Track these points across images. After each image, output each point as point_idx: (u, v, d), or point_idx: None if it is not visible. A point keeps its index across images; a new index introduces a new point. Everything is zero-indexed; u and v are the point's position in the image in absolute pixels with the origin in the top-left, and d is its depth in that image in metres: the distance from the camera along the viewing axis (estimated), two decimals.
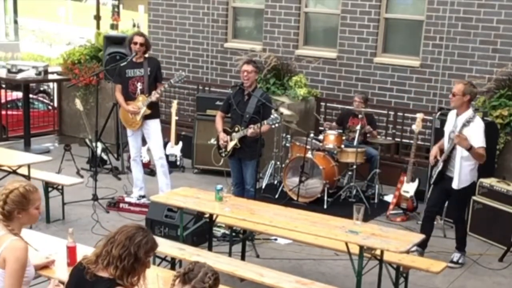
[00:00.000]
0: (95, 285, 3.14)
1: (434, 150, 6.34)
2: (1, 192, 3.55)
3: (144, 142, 9.14)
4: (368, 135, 8.34)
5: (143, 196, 7.53)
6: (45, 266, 4.15)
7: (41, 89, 14.73)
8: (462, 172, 6.03)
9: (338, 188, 8.20)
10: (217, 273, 3.05)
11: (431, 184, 6.43)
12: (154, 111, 7.40)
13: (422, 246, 6.24)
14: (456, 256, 6.36)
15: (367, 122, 8.30)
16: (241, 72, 6.73)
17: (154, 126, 7.44)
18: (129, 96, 7.36)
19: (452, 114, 6.23)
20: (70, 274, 3.36)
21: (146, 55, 7.46)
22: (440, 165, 6.18)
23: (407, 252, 4.91)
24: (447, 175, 6.15)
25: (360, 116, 8.24)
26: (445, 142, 6.25)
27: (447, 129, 6.24)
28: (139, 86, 7.31)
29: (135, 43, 7.25)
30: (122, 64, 7.43)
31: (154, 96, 7.24)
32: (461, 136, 5.86)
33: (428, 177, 6.93)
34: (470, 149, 5.87)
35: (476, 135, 5.93)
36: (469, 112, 6.05)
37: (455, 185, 6.06)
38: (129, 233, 3.17)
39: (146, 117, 7.34)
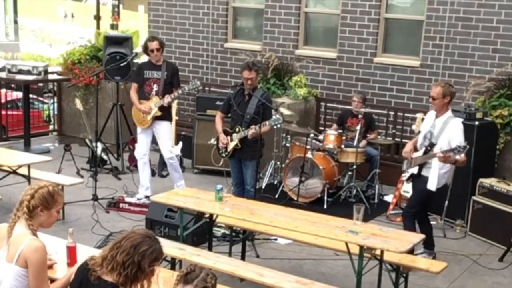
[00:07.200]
0: None
1: (408, 147, 6.30)
2: (31, 187, 3.64)
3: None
4: (367, 135, 8.36)
5: (149, 196, 7.47)
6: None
7: (49, 88, 14.74)
8: (439, 174, 5.94)
9: (338, 188, 8.20)
10: (216, 277, 3.10)
11: (405, 181, 6.37)
12: (165, 113, 7.51)
13: (429, 247, 6.23)
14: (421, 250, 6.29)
15: (366, 123, 8.31)
16: (244, 79, 6.65)
17: (163, 128, 7.55)
18: (144, 96, 7.48)
19: (431, 114, 6.20)
20: (76, 272, 3.37)
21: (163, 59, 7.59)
22: (412, 163, 6.12)
23: (408, 252, 4.92)
24: (423, 175, 6.06)
25: (360, 116, 8.24)
26: (419, 140, 6.21)
27: (425, 128, 6.20)
28: (155, 87, 7.43)
29: (152, 51, 7.39)
30: (140, 63, 7.66)
31: (166, 100, 7.34)
32: (442, 157, 5.74)
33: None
34: (455, 163, 5.81)
35: (457, 138, 5.85)
36: (448, 113, 6.05)
37: (432, 186, 5.97)
38: (135, 241, 3.16)
39: (156, 118, 7.46)
